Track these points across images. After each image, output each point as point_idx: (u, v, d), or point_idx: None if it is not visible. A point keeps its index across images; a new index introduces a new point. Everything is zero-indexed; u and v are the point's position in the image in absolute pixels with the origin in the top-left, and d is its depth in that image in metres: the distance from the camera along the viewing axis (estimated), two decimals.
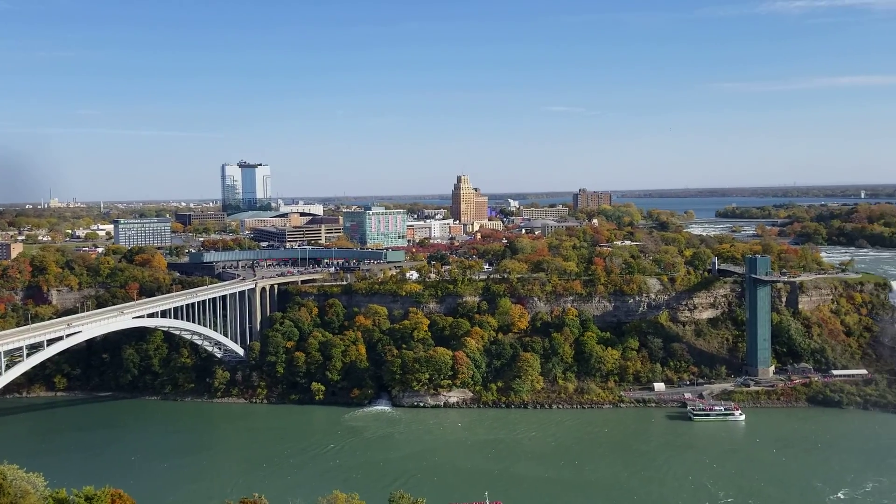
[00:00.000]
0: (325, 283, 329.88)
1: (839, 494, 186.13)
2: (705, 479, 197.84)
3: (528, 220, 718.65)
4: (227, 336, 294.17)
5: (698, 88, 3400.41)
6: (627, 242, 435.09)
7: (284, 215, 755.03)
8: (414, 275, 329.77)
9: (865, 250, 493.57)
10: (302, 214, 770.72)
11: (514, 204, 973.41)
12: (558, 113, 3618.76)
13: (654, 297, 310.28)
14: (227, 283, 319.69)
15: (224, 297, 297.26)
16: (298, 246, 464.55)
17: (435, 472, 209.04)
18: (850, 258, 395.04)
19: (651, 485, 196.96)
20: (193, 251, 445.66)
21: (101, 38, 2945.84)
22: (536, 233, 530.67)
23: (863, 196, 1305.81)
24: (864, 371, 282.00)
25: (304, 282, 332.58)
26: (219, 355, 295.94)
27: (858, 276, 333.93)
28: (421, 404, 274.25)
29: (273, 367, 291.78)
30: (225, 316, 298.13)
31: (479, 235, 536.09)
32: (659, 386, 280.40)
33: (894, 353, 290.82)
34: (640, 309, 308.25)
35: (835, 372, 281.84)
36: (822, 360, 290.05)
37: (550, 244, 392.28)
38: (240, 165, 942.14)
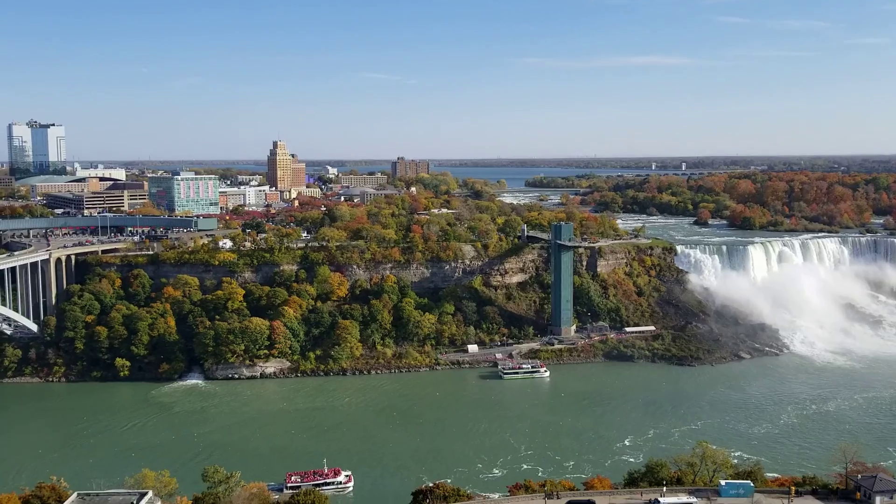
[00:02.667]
0: (130, 253, 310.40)
1: (626, 441, 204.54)
2: (508, 435, 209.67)
3: (348, 187, 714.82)
4: (17, 311, 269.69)
5: (508, 62, 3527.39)
6: (444, 210, 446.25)
7: (82, 180, 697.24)
8: (227, 243, 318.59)
9: (655, 217, 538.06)
10: (102, 179, 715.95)
11: (332, 171, 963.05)
12: (376, 80, 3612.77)
13: (468, 263, 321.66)
14: (16, 253, 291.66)
15: (13, 268, 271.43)
16: (98, 213, 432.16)
17: (252, 445, 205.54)
18: (641, 225, 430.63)
19: (457, 443, 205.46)
20: None
21: None
22: (355, 200, 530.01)
23: (654, 168, 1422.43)
24: (652, 327, 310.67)
25: (105, 252, 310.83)
26: (8, 332, 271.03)
27: (649, 241, 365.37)
28: (236, 376, 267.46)
29: (71, 342, 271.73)
30: (15, 289, 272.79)
31: (296, 203, 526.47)
32: (473, 348, 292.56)
33: (678, 311, 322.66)
34: (456, 275, 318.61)
35: (628, 329, 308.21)
36: (617, 318, 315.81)
37: (369, 212, 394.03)
38: (29, 125, 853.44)
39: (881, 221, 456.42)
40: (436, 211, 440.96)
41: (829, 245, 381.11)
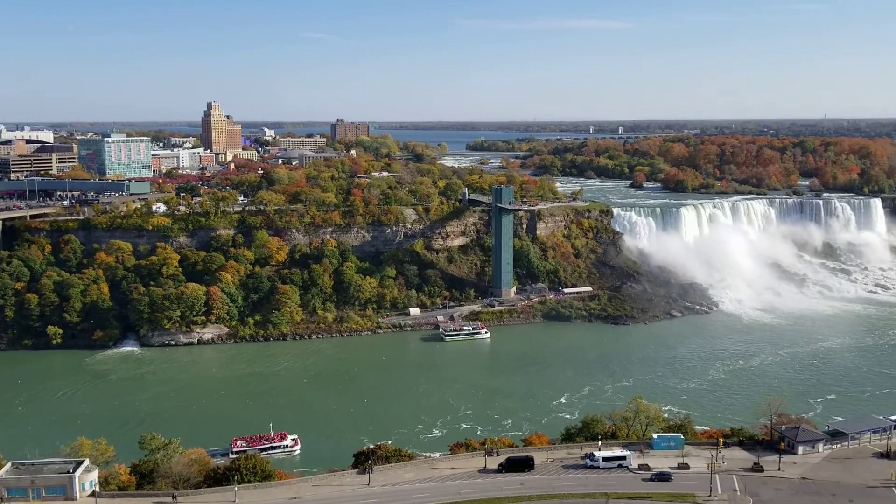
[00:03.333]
0: (60, 218, 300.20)
1: (562, 399, 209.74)
2: (448, 396, 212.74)
3: (285, 150, 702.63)
4: None
5: (449, 23, 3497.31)
6: (385, 174, 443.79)
7: (8, 143, 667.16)
8: (161, 207, 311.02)
9: (593, 181, 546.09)
10: (29, 142, 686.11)
11: (269, 133, 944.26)
12: (314, 40, 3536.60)
13: (410, 226, 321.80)
14: None
15: None
16: (26, 177, 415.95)
17: (191, 411, 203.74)
18: (580, 188, 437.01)
19: (398, 404, 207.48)
20: None
21: None
22: (294, 163, 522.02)
23: (591, 132, 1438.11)
24: (589, 288, 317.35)
25: (33, 216, 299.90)
26: None
27: (587, 204, 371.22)
28: (172, 343, 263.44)
29: (0, 310, 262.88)
30: None
31: (232, 166, 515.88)
32: (414, 311, 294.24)
33: (614, 272, 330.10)
34: (397, 238, 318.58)
35: (566, 290, 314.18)
36: (556, 279, 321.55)
37: (308, 175, 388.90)
38: None
39: (807, 183, 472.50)
40: (376, 174, 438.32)
41: (758, 207, 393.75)
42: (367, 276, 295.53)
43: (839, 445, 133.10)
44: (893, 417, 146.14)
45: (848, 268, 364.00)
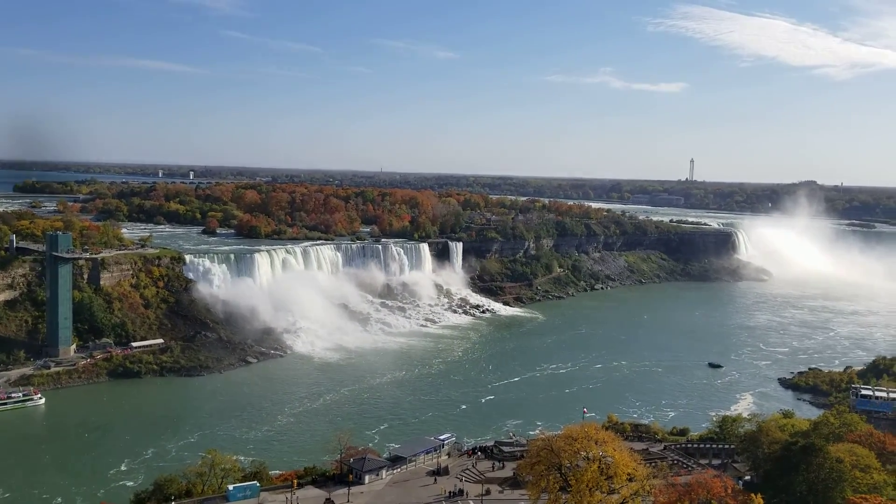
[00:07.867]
0: None
1: (122, 466, 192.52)
2: None
3: None
4: None
5: None
6: None
7: None
8: None
9: (163, 226, 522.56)
10: None
11: None
12: None
13: None
14: None
15: None
16: None
17: None
18: (149, 234, 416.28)
19: None
20: None
21: None
22: None
23: (161, 175, 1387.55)
24: (160, 340, 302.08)
25: None
26: None
27: (157, 251, 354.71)
28: None
29: None
30: None
31: None
32: None
33: (187, 321, 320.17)
34: None
35: (134, 344, 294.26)
36: (123, 333, 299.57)
37: None
38: None
39: (368, 230, 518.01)
40: None
41: (327, 252, 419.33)
42: None
43: (399, 469, 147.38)
44: (442, 437, 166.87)
45: (404, 305, 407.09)
